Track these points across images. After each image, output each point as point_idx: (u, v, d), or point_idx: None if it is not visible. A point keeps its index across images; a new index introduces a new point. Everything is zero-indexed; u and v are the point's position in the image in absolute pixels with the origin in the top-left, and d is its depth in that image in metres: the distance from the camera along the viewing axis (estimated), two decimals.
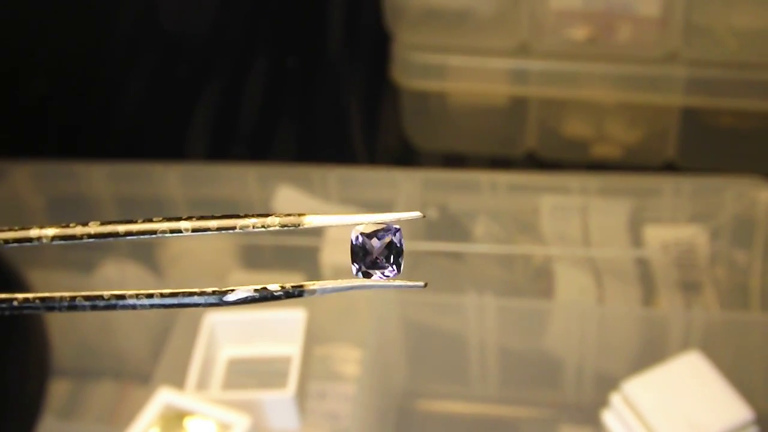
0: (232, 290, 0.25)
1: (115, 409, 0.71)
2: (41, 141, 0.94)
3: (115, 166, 0.82)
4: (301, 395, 0.63)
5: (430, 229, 0.76)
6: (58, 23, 0.92)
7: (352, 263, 0.25)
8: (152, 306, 0.25)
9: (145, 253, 0.77)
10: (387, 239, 0.25)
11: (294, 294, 0.25)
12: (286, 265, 0.77)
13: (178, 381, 0.63)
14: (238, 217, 0.25)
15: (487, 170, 0.86)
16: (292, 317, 0.67)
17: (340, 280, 0.25)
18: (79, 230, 0.25)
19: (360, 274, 0.25)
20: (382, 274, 0.25)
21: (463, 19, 0.85)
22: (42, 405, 0.68)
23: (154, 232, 0.25)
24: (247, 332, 0.67)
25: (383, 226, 0.25)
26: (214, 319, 0.67)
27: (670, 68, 0.81)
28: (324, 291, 0.25)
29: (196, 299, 0.25)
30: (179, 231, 0.25)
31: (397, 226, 0.25)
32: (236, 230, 0.25)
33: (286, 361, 0.65)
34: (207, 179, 0.82)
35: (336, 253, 0.74)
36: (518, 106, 0.87)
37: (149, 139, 0.95)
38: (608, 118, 0.87)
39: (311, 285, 0.25)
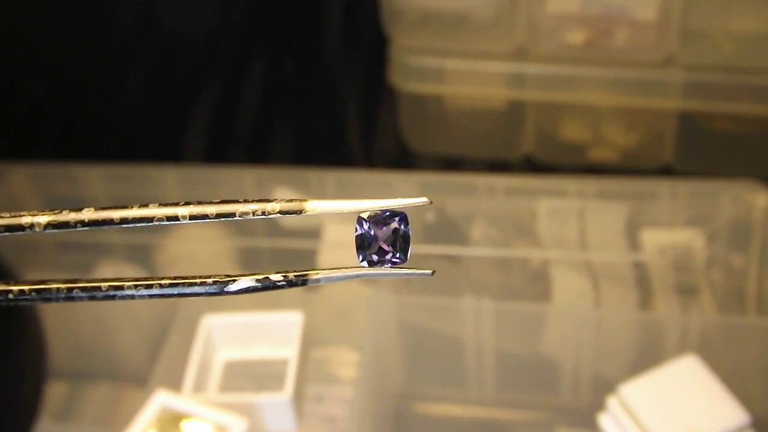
0: (234, 280, 0.24)
1: (112, 411, 0.71)
2: (39, 143, 0.94)
3: (113, 169, 0.82)
4: (298, 398, 0.63)
5: (427, 232, 0.76)
6: (57, 25, 0.92)
7: (357, 251, 0.24)
8: (151, 296, 0.24)
9: (142, 255, 0.77)
10: (393, 225, 0.24)
11: (297, 283, 0.24)
12: (284, 268, 0.77)
13: (174, 383, 0.63)
14: (237, 202, 0.24)
15: (485, 173, 0.86)
16: (289, 320, 0.67)
17: (344, 268, 0.24)
18: (72, 217, 0.24)
19: (365, 262, 0.24)
20: (389, 261, 0.24)
21: (461, 23, 0.85)
22: (38, 407, 0.68)
23: (150, 219, 0.24)
24: (243, 335, 0.67)
25: (389, 212, 0.24)
26: (211, 321, 0.67)
27: (667, 72, 0.81)
28: (328, 280, 0.24)
29: (196, 289, 0.24)
30: (176, 218, 0.24)
31: (403, 212, 0.24)
32: (236, 217, 0.24)
33: (282, 364, 0.65)
34: (204, 182, 0.82)
35: (334, 256, 0.74)
36: (515, 109, 0.87)
37: (147, 141, 0.95)
38: (605, 122, 0.87)
39: (315, 274, 0.24)
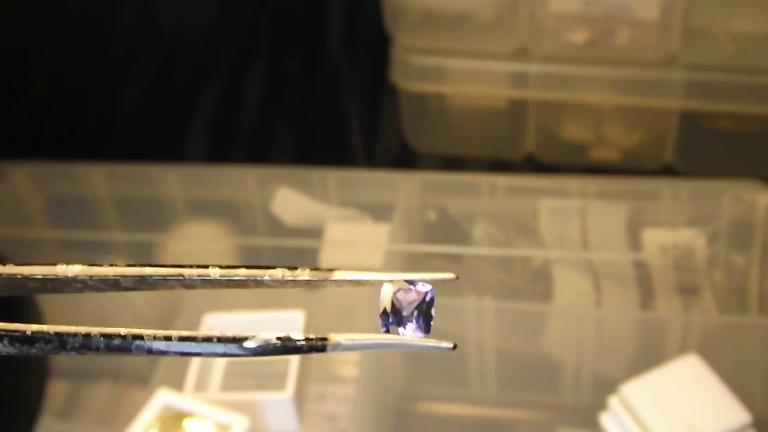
0: (252, 337, 0.24)
1: (114, 410, 0.71)
2: (41, 142, 0.94)
3: (115, 168, 0.82)
4: (300, 397, 0.63)
5: (429, 231, 0.76)
6: (58, 25, 0.92)
7: (381, 318, 0.24)
8: (169, 352, 0.24)
9: (144, 254, 0.77)
10: (418, 298, 0.25)
11: (317, 347, 0.24)
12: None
13: (176, 382, 0.63)
14: (266, 268, 0.25)
15: (486, 173, 0.86)
16: (290, 319, 0.67)
17: (368, 335, 0.24)
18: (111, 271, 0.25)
19: (387, 329, 0.24)
20: (411, 332, 0.24)
21: (463, 22, 0.85)
22: (40, 406, 0.68)
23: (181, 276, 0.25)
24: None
25: (415, 283, 0.25)
26: (213, 320, 0.67)
27: (669, 72, 0.81)
28: (351, 347, 0.24)
29: (216, 347, 0.24)
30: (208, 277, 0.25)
31: (430, 286, 0.25)
32: (265, 279, 0.25)
33: (284, 363, 0.65)
34: (206, 181, 0.82)
35: (335, 255, 0.74)
36: (517, 109, 0.87)
37: (149, 140, 0.95)
38: (607, 122, 0.87)
39: (336, 337, 0.24)
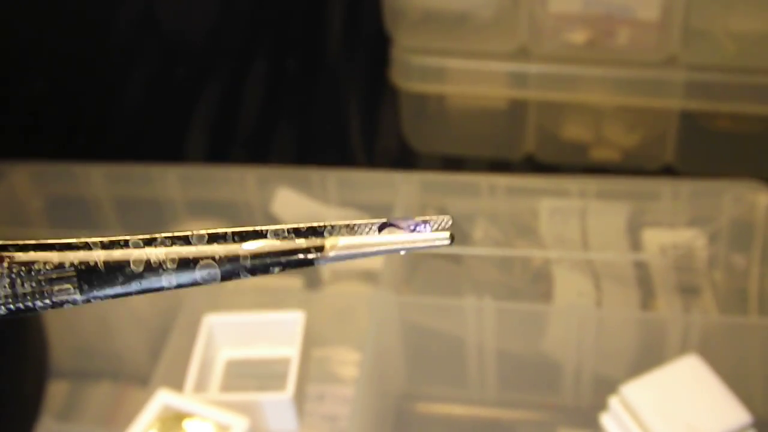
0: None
1: (114, 410, 0.71)
2: (40, 142, 0.94)
3: (114, 168, 0.82)
4: (300, 397, 0.63)
5: None
6: (58, 25, 0.92)
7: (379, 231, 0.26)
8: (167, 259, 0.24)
9: None
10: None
11: (316, 247, 0.24)
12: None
13: (176, 382, 0.63)
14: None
15: (486, 173, 0.86)
16: (290, 319, 0.67)
17: (368, 237, 0.25)
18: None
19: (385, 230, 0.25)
20: (410, 228, 0.25)
21: (463, 22, 0.85)
22: (40, 406, 0.68)
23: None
24: (245, 334, 0.67)
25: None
26: (213, 320, 0.67)
27: (669, 72, 0.81)
28: (348, 255, 0.24)
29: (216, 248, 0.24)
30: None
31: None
32: (268, 230, 0.25)
33: (284, 363, 0.65)
34: (206, 181, 0.82)
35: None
36: (517, 109, 0.87)
37: (149, 140, 0.95)
38: (607, 122, 0.87)
39: (334, 240, 0.24)
